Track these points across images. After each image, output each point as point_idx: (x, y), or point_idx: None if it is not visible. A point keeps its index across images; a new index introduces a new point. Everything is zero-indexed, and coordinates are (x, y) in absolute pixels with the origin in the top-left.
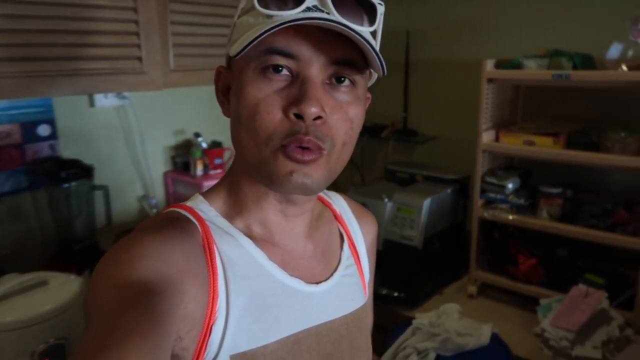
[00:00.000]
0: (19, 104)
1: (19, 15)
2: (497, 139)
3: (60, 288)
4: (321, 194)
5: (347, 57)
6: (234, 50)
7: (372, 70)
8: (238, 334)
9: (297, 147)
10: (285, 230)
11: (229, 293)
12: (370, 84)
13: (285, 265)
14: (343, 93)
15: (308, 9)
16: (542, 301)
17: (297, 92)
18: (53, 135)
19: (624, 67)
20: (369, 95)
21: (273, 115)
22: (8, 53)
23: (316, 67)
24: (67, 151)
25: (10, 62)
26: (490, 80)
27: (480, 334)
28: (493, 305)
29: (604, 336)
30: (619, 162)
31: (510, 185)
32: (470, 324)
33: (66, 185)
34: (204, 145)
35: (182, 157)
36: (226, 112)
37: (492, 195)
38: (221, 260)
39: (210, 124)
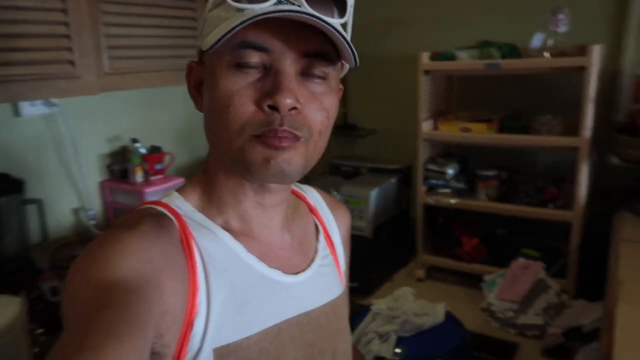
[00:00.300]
0: None
1: None
2: (435, 128)
3: None
4: (295, 187)
5: (319, 49)
6: (206, 44)
7: (343, 62)
8: (220, 327)
9: (274, 136)
10: (263, 222)
11: (209, 286)
12: (342, 74)
13: (263, 257)
14: (316, 84)
15: (279, 1)
16: (486, 277)
17: (270, 84)
18: None
19: (547, 55)
20: (341, 86)
21: (247, 107)
22: None
23: (289, 60)
24: None
25: None
26: (426, 72)
27: (435, 313)
28: (441, 286)
29: (544, 303)
30: (546, 143)
31: (450, 171)
32: (425, 304)
33: None
34: (143, 150)
35: (119, 164)
36: (199, 107)
37: (434, 181)
38: (200, 254)
39: (147, 129)
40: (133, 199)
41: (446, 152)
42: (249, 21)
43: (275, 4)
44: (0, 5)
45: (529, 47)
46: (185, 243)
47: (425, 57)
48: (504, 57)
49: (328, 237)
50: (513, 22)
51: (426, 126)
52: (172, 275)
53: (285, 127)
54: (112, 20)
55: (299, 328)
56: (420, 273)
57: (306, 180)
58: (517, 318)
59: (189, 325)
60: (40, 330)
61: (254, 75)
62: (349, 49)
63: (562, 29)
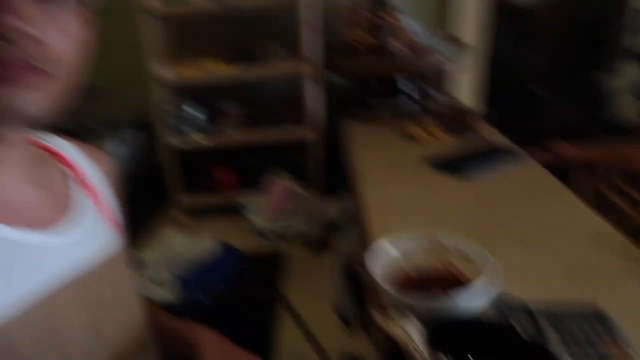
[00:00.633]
0: None
1: None
2: (172, 72)
3: None
4: (35, 136)
5: None
6: None
7: None
8: None
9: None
10: None
11: None
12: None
13: (6, 219)
14: (62, 10)
15: None
16: (247, 203)
17: None
18: None
19: None
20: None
21: None
22: None
23: None
24: None
25: None
26: (155, 18)
27: (208, 244)
28: (206, 225)
29: (302, 211)
30: (277, 71)
31: (192, 112)
32: (195, 240)
33: None
34: None
35: None
36: None
37: (179, 124)
38: None
39: None
40: None
41: (187, 92)
42: None
43: None
44: None
45: None
46: None
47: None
48: None
49: (87, 185)
50: None
51: (163, 71)
52: None
53: (25, 59)
54: None
55: (75, 290)
56: (182, 218)
57: None
58: (283, 230)
59: None
60: None
61: None
62: None
63: None
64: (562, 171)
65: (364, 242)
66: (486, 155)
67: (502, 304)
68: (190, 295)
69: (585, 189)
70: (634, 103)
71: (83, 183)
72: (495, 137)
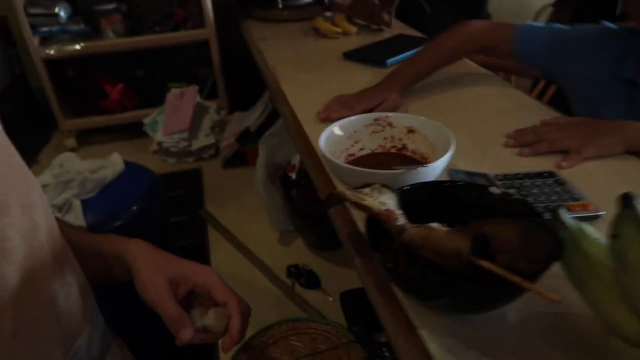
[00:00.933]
0: None
1: None
2: None
3: None
4: None
5: None
6: None
7: None
8: None
9: None
10: None
11: None
12: None
13: None
14: None
15: None
16: (146, 120)
17: None
18: None
19: None
20: None
21: None
22: None
23: None
24: None
25: None
26: None
27: (113, 163)
28: (101, 148)
29: (209, 123)
30: None
31: (61, 13)
32: (95, 161)
33: None
34: None
35: None
36: None
37: (46, 29)
38: None
39: None
40: None
41: None
42: None
43: None
44: None
45: None
46: None
47: None
48: None
49: None
50: None
51: None
52: None
53: None
54: None
55: None
56: (71, 142)
57: None
58: (190, 145)
59: None
60: None
61: None
62: None
63: None
64: None
65: (294, 142)
66: (399, 44)
67: (459, 175)
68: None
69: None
70: None
71: None
72: (405, 29)
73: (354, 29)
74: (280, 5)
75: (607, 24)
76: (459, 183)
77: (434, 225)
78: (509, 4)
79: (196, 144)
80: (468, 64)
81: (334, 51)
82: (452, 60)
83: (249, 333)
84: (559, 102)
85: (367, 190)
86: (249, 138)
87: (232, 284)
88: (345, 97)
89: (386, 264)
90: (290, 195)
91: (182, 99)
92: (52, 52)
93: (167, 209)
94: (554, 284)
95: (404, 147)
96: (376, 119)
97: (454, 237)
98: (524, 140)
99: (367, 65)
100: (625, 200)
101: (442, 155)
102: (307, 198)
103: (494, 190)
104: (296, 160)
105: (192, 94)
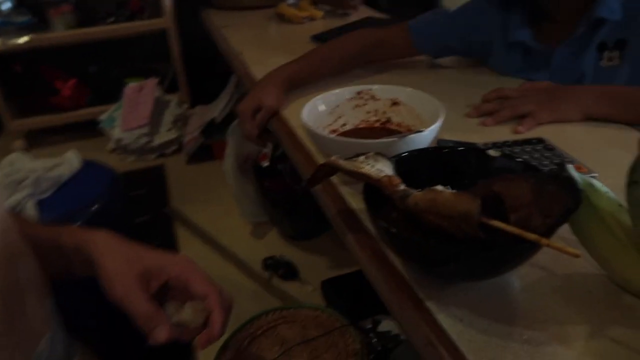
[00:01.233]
0: None
1: None
2: None
3: None
4: None
5: None
6: None
7: None
8: None
9: None
10: None
11: None
12: None
13: None
14: None
15: None
16: (102, 116)
17: None
18: None
19: None
20: None
21: None
22: None
23: None
24: None
25: None
26: None
27: (69, 161)
28: (55, 149)
29: (171, 118)
30: None
31: (4, 3)
32: (50, 160)
33: None
34: None
35: None
36: None
37: None
38: None
39: None
40: None
41: None
42: None
43: None
44: None
45: None
46: None
47: None
48: None
49: None
50: None
51: None
52: None
53: None
54: None
55: None
56: (20, 144)
57: None
58: (151, 141)
59: None
60: None
61: None
62: None
63: None
64: None
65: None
66: (366, 26)
67: (449, 145)
68: (53, 218)
69: None
70: None
71: None
72: (370, 11)
73: (320, 13)
74: None
75: None
76: (458, 148)
77: (439, 187)
78: None
79: (158, 140)
80: None
81: (301, 35)
82: (351, 60)
83: (229, 329)
84: None
85: (361, 158)
86: (215, 130)
87: None
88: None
89: (389, 231)
90: (264, 185)
91: (140, 93)
92: None
93: (129, 209)
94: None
95: (388, 120)
96: (359, 92)
97: (462, 198)
98: (486, 109)
99: None
100: None
101: (430, 126)
102: (282, 186)
103: (492, 152)
104: (268, 147)
105: (151, 87)
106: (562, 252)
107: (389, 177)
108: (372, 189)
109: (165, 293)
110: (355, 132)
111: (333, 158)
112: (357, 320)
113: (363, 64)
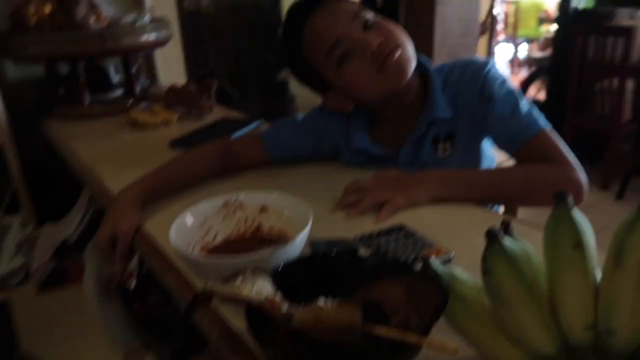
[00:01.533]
0: None
1: None
2: None
3: None
4: None
5: None
6: None
7: None
8: None
9: None
10: None
11: None
12: None
13: None
14: None
15: None
16: None
17: None
18: None
19: None
20: None
21: None
22: None
23: None
24: None
25: None
26: None
27: None
28: None
29: (14, 242)
30: None
31: None
32: None
33: None
34: None
35: None
36: None
37: None
38: None
39: None
40: None
41: None
42: None
43: None
44: None
45: None
46: None
47: None
48: None
49: None
50: None
51: None
52: None
53: None
54: None
55: None
56: None
57: None
58: None
59: None
60: None
61: None
62: None
63: None
64: None
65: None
66: (224, 127)
67: (321, 245)
68: None
69: None
70: None
71: None
72: (228, 112)
73: (174, 116)
74: (88, 101)
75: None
76: (329, 253)
77: (320, 303)
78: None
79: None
80: None
81: (158, 141)
82: (208, 171)
83: None
84: None
85: (239, 280)
86: (69, 251)
87: None
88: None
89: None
90: (133, 308)
91: None
92: None
93: None
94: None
95: (259, 227)
96: (226, 202)
97: (343, 311)
98: (348, 202)
99: None
100: (491, 236)
101: (301, 229)
102: (154, 308)
103: (363, 253)
104: (134, 265)
105: None
106: (441, 351)
107: (270, 300)
108: (255, 310)
109: None
110: (228, 244)
111: (210, 284)
112: None
113: (222, 174)
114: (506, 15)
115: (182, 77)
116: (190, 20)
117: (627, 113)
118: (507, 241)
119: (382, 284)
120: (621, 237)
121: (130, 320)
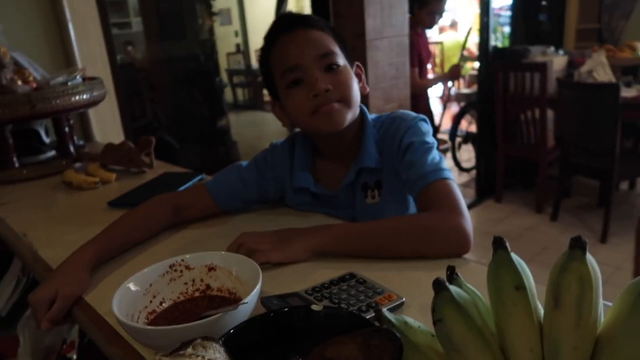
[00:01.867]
0: None
1: None
2: None
3: None
4: None
5: None
6: None
7: None
8: None
9: None
10: None
11: None
12: None
13: None
14: None
15: None
16: None
17: None
18: None
19: None
20: None
21: None
22: None
23: None
24: None
25: None
26: None
27: None
28: None
29: None
30: None
31: None
32: None
33: None
34: None
35: None
36: None
37: None
38: None
39: None
40: None
41: None
42: None
43: None
44: None
45: None
46: None
47: None
48: None
49: None
50: None
51: None
52: None
53: None
54: None
55: None
56: None
57: None
58: None
59: None
60: None
61: None
62: None
63: None
64: None
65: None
66: (167, 183)
67: (273, 301)
68: None
69: None
70: None
71: None
72: (169, 167)
73: (112, 175)
74: (17, 164)
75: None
76: (281, 310)
77: None
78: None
79: None
80: None
81: (96, 203)
82: (157, 226)
83: None
84: None
85: (189, 350)
86: (0, 324)
87: None
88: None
89: None
90: None
91: None
92: None
93: None
94: None
95: (208, 287)
96: (171, 266)
97: None
98: (232, 251)
99: None
100: (438, 285)
101: (251, 286)
102: None
103: (316, 307)
104: (74, 334)
105: None
106: None
107: None
108: None
109: None
110: (176, 308)
111: (158, 358)
112: None
113: (170, 227)
114: (433, 55)
115: (119, 133)
116: (124, 74)
117: (550, 140)
118: (454, 288)
119: (337, 342)
120: (556, 278)
121: None
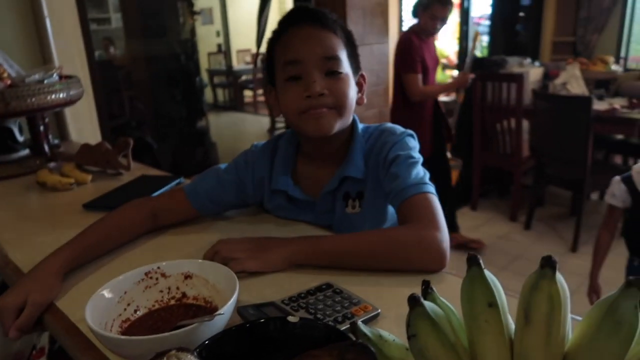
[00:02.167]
0: None
1: None
2: None
3: None
4: None
5: None
6: None
7: None
8: None
9: None
10: None
11: None
12: None
13: None
14: None
15: None
16: None
17: None
18: None
19: None
20: None
21: None
22: None
23: None
24: None
25: None
26: None
27: None
28: None
29: None
30: None
31: None
32: None
33: None
34: None
35: None
36: None
37: None
38: None
39: None
40: None
41: None
42: None
43: None
44: None
45: None
46: None
47: None
48: None
49: None
50: None
51: None
52: None
53: None
54: None
55: None
56: None
57: None
58: None
59: None
60: None
61: None
62: None
63: None
64: None
65: (44, 320)
66: (144, 186)
67: (249, 311)
68: None
69: None
70: None
71: None
72: (147, 169)
73: (88, 177)
74: None
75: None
76: (257, 321)
77: None
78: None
79: None
80: None
81: (70, 204)
82: (134, 231)
83: None
84: None
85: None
86: None
87: None
88: None
89: None
90: None
91: None
92: None
93: None
94: None
95: (184, 295)
96: (147, 273)
97: None
98: (208, 258)
99: None
100: (413, 301)
101: (227, 295)
102: None
103: (292, 319)
104: (44, 341)
105: None
106: None
107: None
108: None
109: None
110: (151, 316)
111: None
112: None
113: (149, 232)
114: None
115: (96, 132)
116: (102, 71)
117: (525, 150)
118: (428, 304)
119: (313, 356)
120: (527, 295)
121: None
